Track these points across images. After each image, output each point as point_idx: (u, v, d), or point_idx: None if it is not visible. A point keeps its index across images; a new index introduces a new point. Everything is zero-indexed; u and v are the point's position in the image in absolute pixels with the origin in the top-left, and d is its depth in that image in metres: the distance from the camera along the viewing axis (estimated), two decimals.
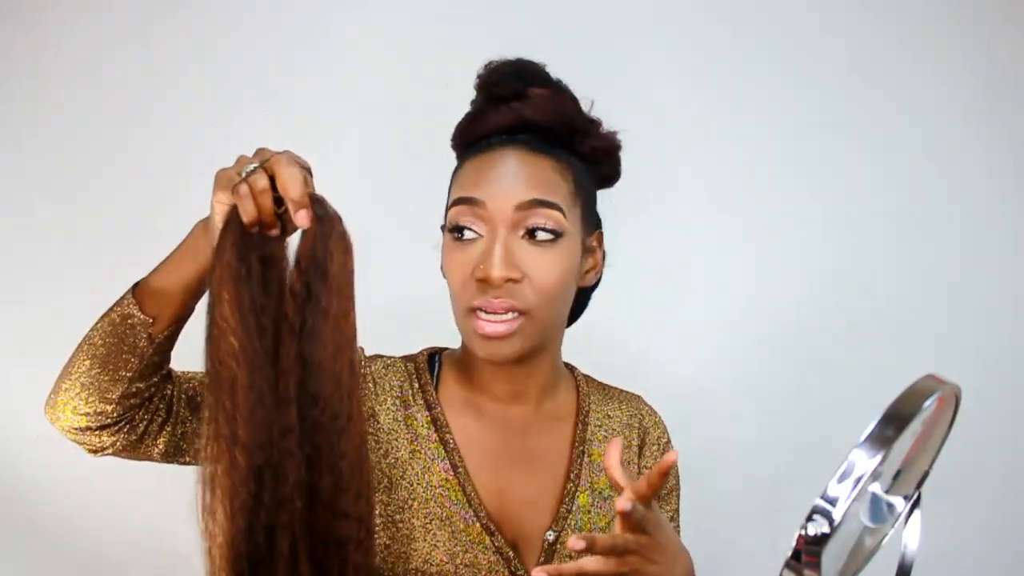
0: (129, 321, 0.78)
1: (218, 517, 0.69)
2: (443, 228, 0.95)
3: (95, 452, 0.83)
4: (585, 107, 0.94)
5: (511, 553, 0.88)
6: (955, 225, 1.55)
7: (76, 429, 0.80)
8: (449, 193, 0.92)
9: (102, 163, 1.48)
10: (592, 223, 0.94)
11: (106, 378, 0.78)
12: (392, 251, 1.33)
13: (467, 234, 0.85)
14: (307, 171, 0.73)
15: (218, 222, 0.72)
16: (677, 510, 1.02)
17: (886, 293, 1.54)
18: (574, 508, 0.92)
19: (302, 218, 0.69)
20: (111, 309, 0.80)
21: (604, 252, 0.97)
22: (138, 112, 1.49)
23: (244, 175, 0.70)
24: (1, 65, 1.48)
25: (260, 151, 0.73)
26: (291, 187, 0.69)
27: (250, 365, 0.69)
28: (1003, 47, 1.55)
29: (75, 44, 1.49)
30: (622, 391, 1.04)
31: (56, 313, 1.45)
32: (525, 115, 0.89)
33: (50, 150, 1.48)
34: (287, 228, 0.73)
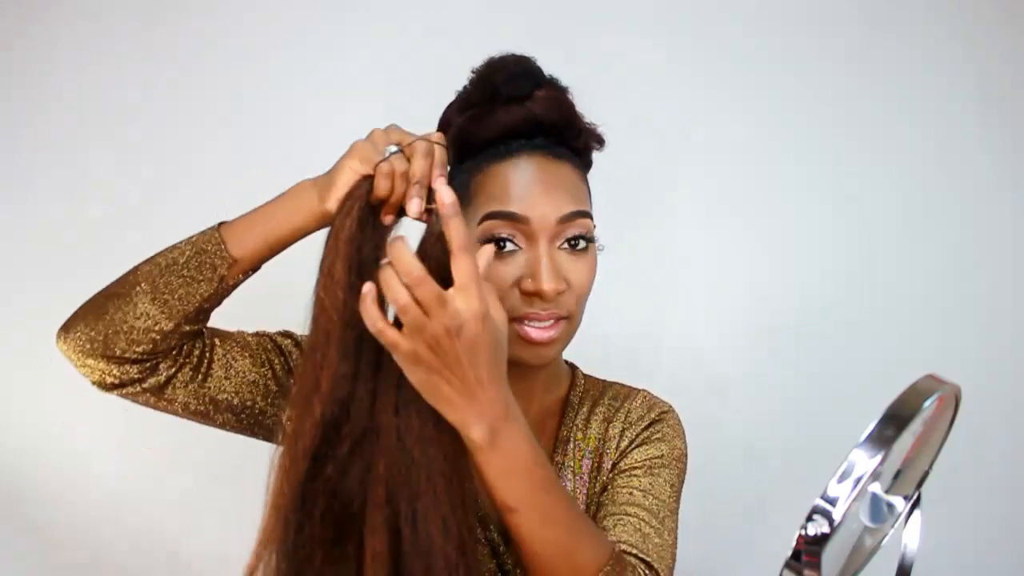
0: (208, 258, 0.80)
1: (284, 459, 0.72)
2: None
3: (106, 387, 0.81)
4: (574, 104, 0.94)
5: (501, 547, 0.89)
6: (955, 225, 1.55)
7: (95, 358, 0.79)
8: (462, 198, 0.89)
9: (102, 164, 1.48)
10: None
11: (154, 309, 0.78)
12: None
13: (508, 246, 0.84)
14: (442, 166, 0.77)
15: (342, 186, 0.75)
16: (672, 486, 0.94)
17: (887, 292, 1.54)
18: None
19: (437, 203, 0.69)
20: (186, 240, 0.81)
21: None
22: (138, 112, 1.49)
23: (388, 155, 0.74)
24: (1, 65, 1.49)
25: (394, 129, 0.77)
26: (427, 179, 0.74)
27: (345, 322, 0.72)
28: (1004, 47, 1.55)
29: (74, 44, 1.49)
30: (623, 386, 1.02)
31: (56, 314, 1.46)
32: (536, 115, 0.87)
33: (50, 150, 1.48)
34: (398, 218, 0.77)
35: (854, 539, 0.61)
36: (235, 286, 0.82)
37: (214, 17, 1.51)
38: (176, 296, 0.79)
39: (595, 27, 1.54)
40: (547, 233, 0.84)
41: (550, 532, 0.74)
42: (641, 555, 0.82)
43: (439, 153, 0.76)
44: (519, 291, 0.84)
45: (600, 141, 0.94)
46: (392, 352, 0.68)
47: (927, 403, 0.54)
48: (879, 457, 0.52)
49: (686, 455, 0.97)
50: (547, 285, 0.82)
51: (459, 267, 0.66)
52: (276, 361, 0.88)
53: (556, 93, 0.90)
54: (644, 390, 1.02)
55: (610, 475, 0.93)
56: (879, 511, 0.58)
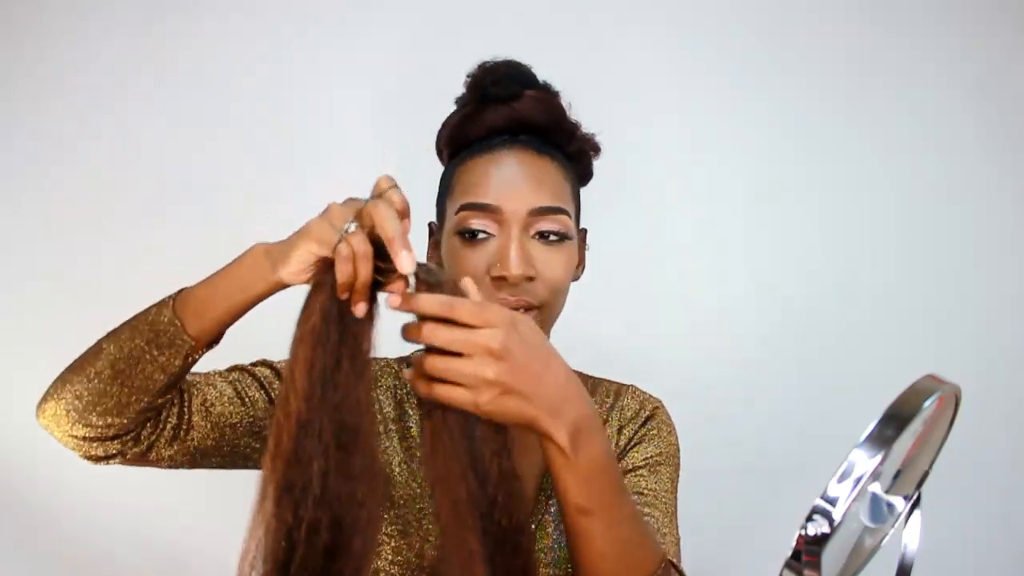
0: (170, 338, 0.75)
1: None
2: (433, 225, 0.97)
3: (95, 461, 0.80)
4: (565, 108, 0.95)
5: None
6: (955, 225, 1.55)
7: (76, 437, 0.78)
8: (447, 192, 0.92)
9: (101, 164, 1.48)
10: (579, 223, 0.96)
11: (125, 391, 0.75)
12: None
13: (480, 235, 0.86)
14: (406, 214, 0.69)
15: (297, 271, 0.69)
16: (658, 462, 0.97)
17: (887, 292, 1.54)
18: (553, 500, 0.92)
19: (396, 294, 0.66)
20: (144, 318, 0.76)
21: (586, 248, 1.00)
22: (139, 115, 1.49)
23: (344, 233, 0.66)
24: (1, 66, 1.49)
25: (352, 202, 0.68)
26: (401, 262, 0.64)
27: (304, 430, 0.66)
28: (1004, 47, 1.55)
29: (73, 48, 1.49)
30: (612, 383, 1.03)
31: (55, 314, 1.46)
32: (522, 114, 0.90)
33: (49, 150, 1.48)
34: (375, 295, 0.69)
35: (854, 539, 0.61)
36: (198, 359, 0.78)
37: (213, 18, 1.51)
38: (140, 378, 0.76)
39: (594, 26, 1.54)
40: (519, 223, 0.85)
41: (619, 532, 0.72)
42: (675, 563, 0.85)
43: (398, 202, 0.68)
44: (490, 279, 0.85)
45: (595, 149, 0.97)
46: (472, 405, 0.65)
47: (927, 403, 0.54)
48: (879, 457, 0.52)
49: (679, 448, 0.98)
50: (512, 270, 0.83)
51: (461, 307, 0.65)
52: (257, 395, 0.87)
53: (545, 95, 0.92)
54: (632, 385, 1.03)
55: None
56: (879, 511, 0.58)
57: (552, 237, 0.87)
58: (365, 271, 0.66)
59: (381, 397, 0.94)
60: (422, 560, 0.87)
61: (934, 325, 1.53)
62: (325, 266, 0.67)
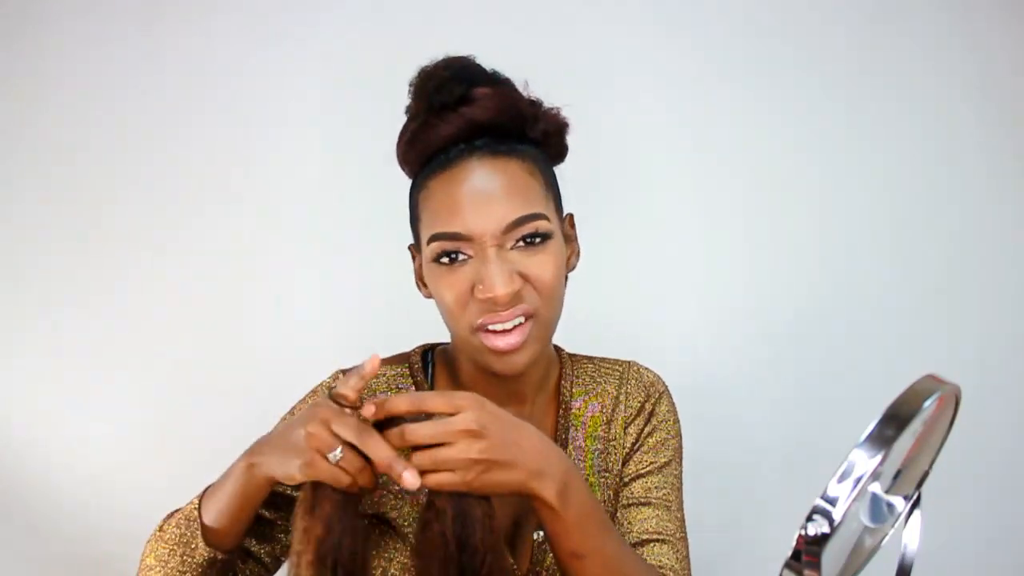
0: (194, 548, 0.80)
1: None
2: (413, 248, 0.94)
3: None
4: (521, 88, 0.89)
5: (507, 553, 0.88)
6: (955, 225, 1.54)
7: None
8: (416, 218, 0.89)
9: (101, 166, 1.48)
10: (561, 208, 0.92)
11: None
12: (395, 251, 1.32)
13: (459, 258, 0.83)
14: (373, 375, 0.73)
15: (291, 480, 0.72)
16: (668, 468, 0.99)
17: (887, 291, 1.53)
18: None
19: (371, 403, 0.71)
20: (180, 525, 0.82)
21: (576, 233, 0.95)
22: (139, 115, 1.49)
23: (336, 462, 0.69)
24: (1, 65, 1.49)
25: (321, 414, 0.71)
26: (406, 483, 0.69)
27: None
28: (1003, 47, 1.55)
29: (74, 45, 1.49)
30: (611, 362, 1.02)
31: (53, 315, 1.46)
32: (474, 119, 0.84)
33: (48, 150, 1.48)
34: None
35: (854, 539, 0.61)
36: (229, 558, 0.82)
37: (213, 19, 1.51)
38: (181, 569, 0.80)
39: (592, 25, 1.53)
40: (494, 242, 0.82)
41: (612, 566, 0.78)
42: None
43: (357, 387, 0.71)
44: (478, 300, 0.83)
45: (560, 128, 0.90)
46: (463, 485, 0.70)
47: (927, 403, 0.54)
48: (879, 457, 0.52)
49: (680, 432, 1.00)
50: (498, 290, 0.81)
51: (431, 398, 0.71)
52: (275, 516, 0.89)
53: (495, 90, 0.86)
54: (633, 364, 1.03)
55: (623, 474, 0.95)
56: (879, 511, 0.58)
57: (533, 241, 0.83)
58: (365, 479, 0.71)
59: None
60: None
61: (934, 325, 1.53)
62: (316, 489, 0.71)
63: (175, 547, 0.80)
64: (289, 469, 0.71)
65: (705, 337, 1.54)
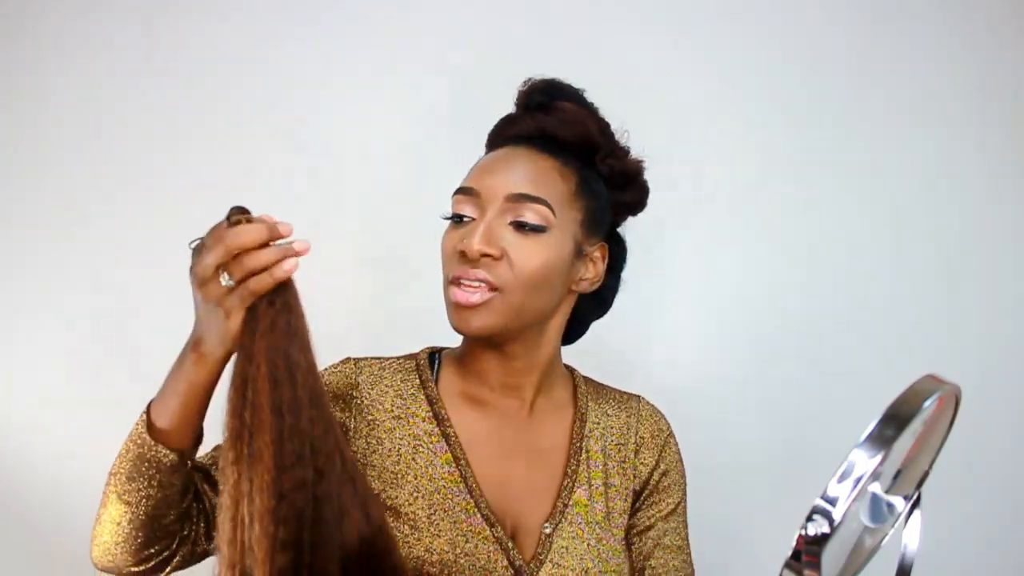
0: (157, 462, 0.77)
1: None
2: None
3: (163, 573, 0.84)
4: (619, 134, 0.99)
5: (510, 544, 0.90)
6: (955, 225, 1.54)
7: (132, 572, 0.82)
8: None
9: (101, 166, 1.48)
10: (596, 232, 0.96)
11: (150, 533, 0.79)
12: (406, 256, 1.33)
13: (465, 219, 0.91)
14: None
15: (233, 329, 0.72)
16: (680, 507, 1.03)
17: (885, 293, 1.53)
18: (571, 503, 0.94)
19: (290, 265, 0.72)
20: (132, 449, 0.77)
21: (606, 266, 0.99)
22: (137, 113, 1.49)
23: (226, 284, 0.71)
24: (1, 65, 1.49)
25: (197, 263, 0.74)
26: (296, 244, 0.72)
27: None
28: (1003, 47, 1.55)
29: (75, 43, 1.49)
30: (620, 392, 1.06)
31: (50, 311, 1.46)
32: (545, 126, 0.95)
33: (48, 150, 1.48)
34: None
35: (854, 539, 0.61)
36: (189, 463, 0.80)
37: (214, 19, 1.51)
38: (152, 503, 0.78)
39: (591, 26, 1.54)
40: (496, 206, 0.89)
41: None
42: None
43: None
44: (457, 253, 0.89)
45: (626, 169, 0.98)
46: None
47: (927, 403, 0.54)
48: (879, 457, 0.52)
49: (685, 472, 1.05)
50: (473, 245, 0.87)
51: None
52: None
53: (575, 109, 0.96)
54: (641, 399, 1.06)
55: (638, 513, 0.99)
56: (879, 511, 0.58)
57: (527, 226, 0.88)
58: (272, 253, 0.71)
59: (383, 394, 0.95)
60: (431, 555, 0.87)
61: (934, 325, 1.53)
62: (248, 315, 0.72)
63: (137, 464, 0.77)
64: (214, 317, 0.73)
65: (703, 337, 1.54)
